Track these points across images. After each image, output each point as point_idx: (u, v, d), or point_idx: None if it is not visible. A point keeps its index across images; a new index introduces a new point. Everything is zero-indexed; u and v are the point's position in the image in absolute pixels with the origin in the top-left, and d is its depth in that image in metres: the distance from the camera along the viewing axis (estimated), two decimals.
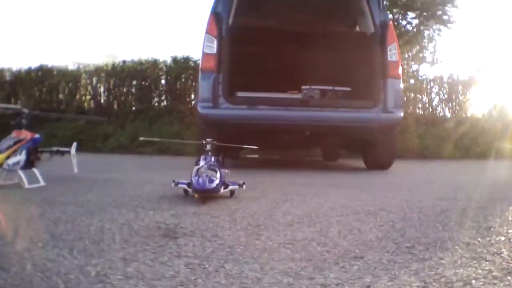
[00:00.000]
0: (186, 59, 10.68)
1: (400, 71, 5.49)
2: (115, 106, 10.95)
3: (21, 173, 3.11)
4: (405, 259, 1.44)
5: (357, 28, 6.76)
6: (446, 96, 10.57)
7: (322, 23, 6.96)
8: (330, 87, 5.86)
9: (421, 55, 11.57)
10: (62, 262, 1.37)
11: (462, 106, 10.49)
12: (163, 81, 10.89)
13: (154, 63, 10.84)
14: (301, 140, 6.23)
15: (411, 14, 11.56)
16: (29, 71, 11.51)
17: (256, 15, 6.69)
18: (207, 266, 1.37)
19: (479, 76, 10.49)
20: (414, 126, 9.44)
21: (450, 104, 10.56)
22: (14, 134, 3.23)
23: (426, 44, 11.67)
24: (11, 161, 3.07)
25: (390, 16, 9.84)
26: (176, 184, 2.88)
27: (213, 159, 3.10)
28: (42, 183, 3.21)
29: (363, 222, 2.07)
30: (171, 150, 8.99)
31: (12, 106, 4.39)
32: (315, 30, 6.56)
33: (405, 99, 8.87)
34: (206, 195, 2.65)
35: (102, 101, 11.07)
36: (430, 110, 10.57)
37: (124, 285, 1.19)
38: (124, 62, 11.04)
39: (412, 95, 10.46)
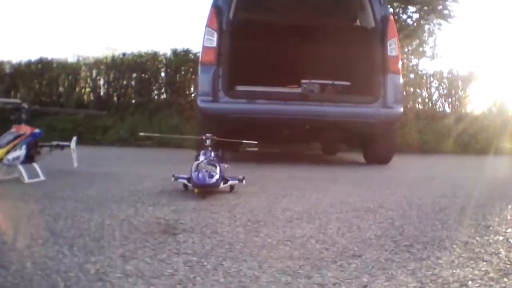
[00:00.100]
0: (186, 52, 10.66)
1: (400, 66, 5.49)
2: (115, 99, 10.93)
3: (21, 167, 3.11)
4: (403, 258, 1.45)
5: (358, 23, 6.75)
6: (445, 91, 10.56)
7: (323, 17, 6.94)
8: (330, 81, 5.85)
9: (421, 49, 11.54)
10: (62, 259, 1.37)
11: (461, 102, 10.47)
12: (162, 74, 10.87)
13: (154, 55, 10.81)
14: (301, 134, 6.23)
15: (411, 8, 11.54)
16: (29, 64, 11.47)
17: (257, 9, 6.68)
18: (205, 263, 1.37)
19: (479, 71, 10.48)
20: (414, 121, 9.44)
21: (449, 100, 10.55)
22: (14, 129, 3.24)
23: (426, 38, 11.65)
24: (11, 156, 3.07)
25: (391, 10, 9.82)
26: (176, 178, 2.89)
27: (212, 154, 3.11)
28: (42, 177, 3.21)
29: (362, 219, 2.08)
30: (171, 143, 8.99)
31: (11, 100, 4.38)
32: (315, 24, 6.55)
33: (404, 93, 8.87)
34: (205, 190, 2.66)
35: (101, 93, 11.05)
36: (430, 105, 10.56)
37: (123, 283, 1.20)
38: (124, 54, 11.01)
39: (412, 89, 10.45)
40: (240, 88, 5.51)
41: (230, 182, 2.86)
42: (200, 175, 2.68)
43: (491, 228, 1.90)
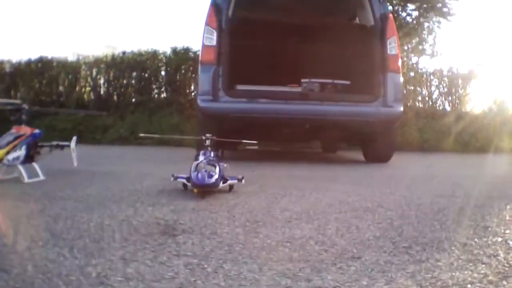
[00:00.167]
0: (186, 50, 10.67)
1: (400, 65, 5.49)
2: (115, 98, 10.94)
3: (21, 167, 3.12)
4: (402, 260, 1.45)
5: (357, 21, 6.74)
6: (446, 89, 10.56)
7: (322, 16, 6.94)
8: (330, 80, 5.86)
9: (420, 47, 11.54)
10: (63, 262, 1.38)
11: (462, 100, 10.47)
12: (163, 73, 10.87)
13: (154, 54, 10.83)
14: (301, 133, 6.24)
15: (411, 6, 11.53)
16: (29, 63, 11.50)
17: (256, 7, 6.67)
18: (206, 266, 1.38)
19: (479, 70, 10.47)
20: (414, 119, 9.45)
21: (450, 98, 10.55)
22: (14, 129, 3.25)
23: (426, 36, 11.65)
24: (11, 156, 3.08)
25: (390, 7, 9.81)
26: (175, 178, 2.90)
27: (212, 154, 3.11)
28: (41, 177, 3.23)
29: (361, 219, 2.08)
30: (171, 141, 9.00)
31: (12, 101, 4.39)
32: (315, 23, 6.54)
33: (404, 92, 8.88)
34: (205, 190, 2.66)
35: (102, 92, 11.05)
36: (430, 103, 10.56)
37: (124, 287, 1.20)
38: (123, 53, 11.02)
39: (412, 88, 10.45)
40: (240, 87, 5.51)
41: (229, 182, 2.87)
42: (199, 175, 2.69)
43: (489, 229, 1.91)
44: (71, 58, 11.72)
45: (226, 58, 5.21)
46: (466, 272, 1.34)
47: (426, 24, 11.58)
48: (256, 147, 8.11)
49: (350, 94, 5.60)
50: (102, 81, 11.09)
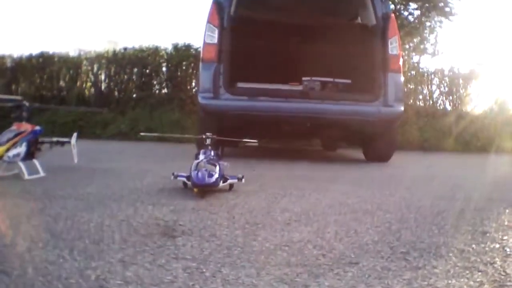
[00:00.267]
0: (187, 47, 10.65)
1: (401, 64, 5.50)
2: (116, 93, 10.94)
3: (21, 164, 3.13)
4: (399, 267, 1.46)
5: (359, 20, 6.74)
6: (446, 89, 10.55)
7: (324, 15, 6.93)
8: (331, 79, 5.86)
9: (422, 46, 11.52)
10: (63, 264, 1.39)
11: (462, 100, 10.46)
12: (164, 69, 10.87)
13: (155, 50, 10.81)
14: (301, 131, 6.25)
15: (413, 5, 11.51)
16: (30, 58, 11.48)
17: (258, 5, 6.67)
18: (204, 270, 1.39)
19: (480, 69, 10.46)
20: (414, 118, 9.45)
21: (450, 98, 10.54)
22: (14, 126, 3.26)
23: (427, 36, 11.63)
24: (11, 153, 3.09)
25: (392, 6, 9.80)
26: (176, 177, 2.92)
27: (212, 153, 3.12)
28: (42, 174, 3.24)
29: (360, 223, 2.09)
30: (171, 138, 9.00)
31: (12, 97, 4.40)
32: (317, 21, 6.55)
33: (405, 90, 8.88)
34: (205, 190, 2.68)
35: (102, 88, 11.05)
36: (431, 102, 10.55)
37: None
38: (125, 49, 11.01)
39: (413, 87, 10.44)
40: (241, 85, 5.52)
41: (229, 181, 2.89)
42: (199, 174, 2.70)
43: (487, 234, 1.91)
44: (72, 53, 11.71)
45: (227, 56, 5.21)
46: (462, 280, 1.35)
47: (428, 23, 11.57)
48: (256, 144, 8.10)
49: (351, 93, 5.60)
50: (103, 76, 11.09)
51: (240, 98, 5.26)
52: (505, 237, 1.88)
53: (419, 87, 10.59)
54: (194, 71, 10.27)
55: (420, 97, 10.60)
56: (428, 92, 10.61)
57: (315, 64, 6.00)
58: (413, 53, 11.46)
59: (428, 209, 2.48)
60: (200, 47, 6.24)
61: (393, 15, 5.71)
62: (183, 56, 10.54)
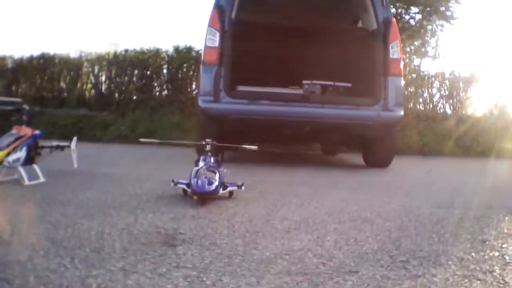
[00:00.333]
0: (188, 49, 10.64)
1: (402, 68, 5.50)
2: (116, 95, 10.94)
3: (21, 169, 3.12)
4: (398, 275, 1.47)
5: (360, 24, 6.75)
6: (447, 92, 10.54)
7: (325, 19, 6.94)
8: (331, 83, 5.86)
9: (423, 49, 11.55)
10: (64, 273, 1.39)
11: (463, 104, 10.46)
12: (164, 71, 10.86)
13: (156, 52, 10.80)
14: (301, 135, 6.25)
15: (414, 9, 11.54)
16: (31, 59, 11.47)
17: (259, 9, 6.68)
18: (205, 279, 1.39)
19: (480, 73, 10.46)
20: (414, 122, 9.43)
21: (451, 101, 10.53)
22: (14, 130, 3.26)
23: (428, 39, 11.66)
24: (11, 158, 3.09)
25: (393, 10, 9.82)
26: (176, 184, 2.91)
27: (212, 160, 3.12)
28: (41, 179, 3.23)
29: (359, 231, 2.09)
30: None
31: (12, 100, 4.40)
32: (318, 25, 6.56)
33: (406, 93, 8.88)
34: (205, 197, 2.68)
35: (103, 90, 11.05)
36: (431, 106, 10.54)
37: None
38: (126, 51, 11.01)
39: (413, 90, 10.43)
40: (241, 88, 5.52)
41: (229, 188, 2.89)
42: (199, 182, 2.69)
43: (487, 242, 1.92)
44: (73, 54, 11.72)
45: (228, 59, 5.22)
46: None
47: (429, 27, 11.59)
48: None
49: (351, 97, 5.60)
50: (103, 78, 11.09)
51: (240, 102, 5.26)
52: (505, 245, 1.88)
53: (420, 90, 10.58)
54: (195, 73, 10.27)
55: (420, 100, 10.59)
56: (428, 95, 10.61)
57: (315, 67, 6.00)
58: (414, 56, 11.48)
59: (428, 217, 2.48)
60: (201, 49, 6.25)
61: (394, 19, 5.71)
62: (184, 58, 10.54)
